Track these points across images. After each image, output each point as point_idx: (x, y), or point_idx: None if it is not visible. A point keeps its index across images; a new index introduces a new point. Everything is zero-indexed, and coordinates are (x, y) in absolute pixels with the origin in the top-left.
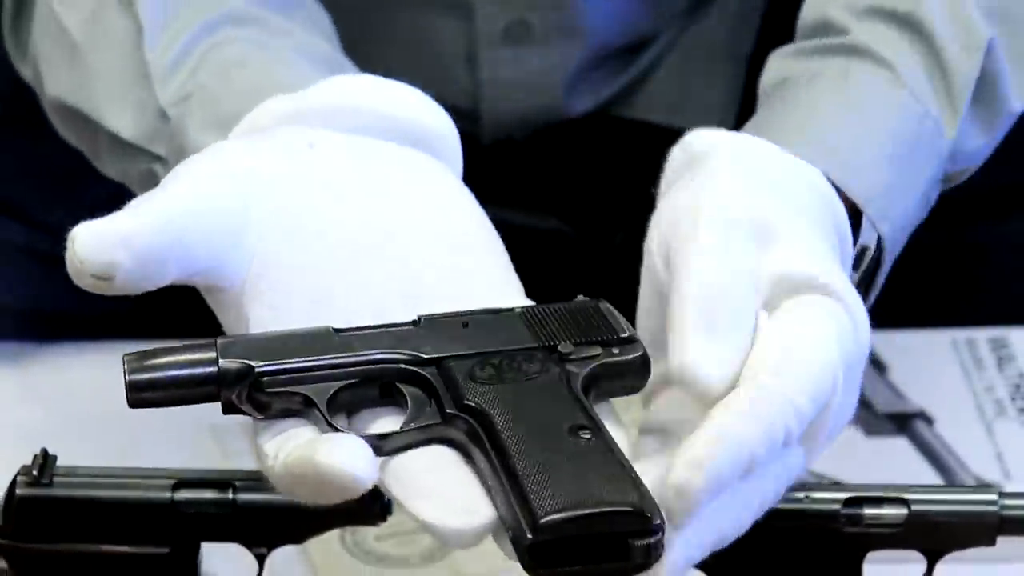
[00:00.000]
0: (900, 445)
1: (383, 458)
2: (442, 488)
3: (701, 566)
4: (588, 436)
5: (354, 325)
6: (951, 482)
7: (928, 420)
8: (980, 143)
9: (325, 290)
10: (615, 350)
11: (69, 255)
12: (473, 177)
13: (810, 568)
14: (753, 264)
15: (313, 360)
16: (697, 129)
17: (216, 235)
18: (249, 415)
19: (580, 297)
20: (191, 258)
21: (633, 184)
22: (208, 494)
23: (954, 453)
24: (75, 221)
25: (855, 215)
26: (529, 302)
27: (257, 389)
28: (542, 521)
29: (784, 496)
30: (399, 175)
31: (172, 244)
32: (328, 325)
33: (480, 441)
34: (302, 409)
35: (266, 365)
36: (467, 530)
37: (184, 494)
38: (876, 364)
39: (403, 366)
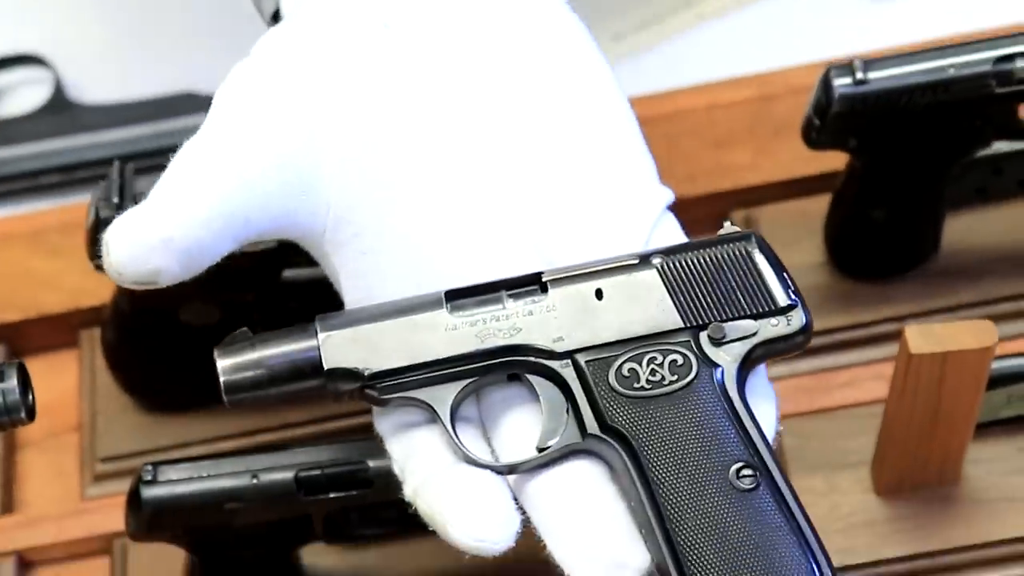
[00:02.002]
0: None
1: (517, 475)
2: (588, 531)
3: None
4: (752, 480)
5: (460, 268)
6: None
7: None
8: None
9: (421, 224)
10: (773, 322)
11: (105, 262)
12: None
13: (959, 137)
14: None
15: (428, 356)
16: None
17: (279, 193)
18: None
19: (727, 227)
20: (250, 229)
21: None
22: None
23: None
24: None
25: None
26: (665, 190)
27: (370, 389)
28: None
29: (924, 71)
30: (500, 30)
31: (224, 230)
32: (438, 292)
33: (627, 469)
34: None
35: (376, 368)
36: None
37: None
38: None
39: (533, 359)
